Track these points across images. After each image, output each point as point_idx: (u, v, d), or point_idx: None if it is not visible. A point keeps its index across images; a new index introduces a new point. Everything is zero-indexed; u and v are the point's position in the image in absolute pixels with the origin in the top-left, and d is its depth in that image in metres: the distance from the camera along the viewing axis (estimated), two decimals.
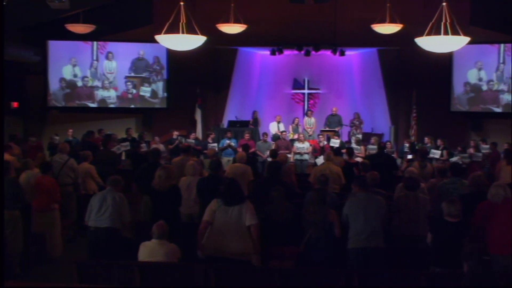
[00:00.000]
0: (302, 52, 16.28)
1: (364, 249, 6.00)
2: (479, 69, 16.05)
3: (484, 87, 16.05)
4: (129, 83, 16.63)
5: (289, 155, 13.68)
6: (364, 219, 6.03)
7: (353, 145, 13.94)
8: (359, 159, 13.47)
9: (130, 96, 16.66)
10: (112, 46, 16.51)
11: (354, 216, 6.10)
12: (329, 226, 6.02)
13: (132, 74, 16.61)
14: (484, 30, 15.54)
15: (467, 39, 9.77)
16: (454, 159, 13.12)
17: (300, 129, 16.00)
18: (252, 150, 13.48)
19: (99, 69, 16.46)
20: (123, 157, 13.50)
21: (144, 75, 16.67)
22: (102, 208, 6.63)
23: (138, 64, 16.63)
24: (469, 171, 13.14)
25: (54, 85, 16.22)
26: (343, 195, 7.76)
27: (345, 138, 16.01)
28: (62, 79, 16.24)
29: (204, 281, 5.48)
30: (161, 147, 13.98)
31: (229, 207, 5.90)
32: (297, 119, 16.48)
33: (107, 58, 16.45)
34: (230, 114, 17.10)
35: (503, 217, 5.94)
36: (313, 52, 16.29)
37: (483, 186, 6.88)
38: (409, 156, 13.14)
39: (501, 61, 15.88)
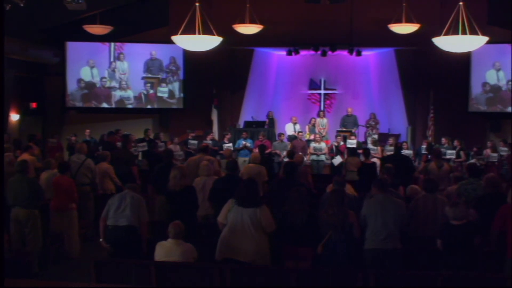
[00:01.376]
0: (319, 52, 16.25)
1: (381, 250, 5.98)
2: (498, 70, 15.88)
3: (504, 88, 15.88)
4: (148, 84, 16.72)
5: (305, 156, 13.70)
6: (382, 220, 6.02)
7: (370, 146, 13.89)
8: (375, 160, 13.48)
9: (146, 96, 16.75)
10: (128, 47, 16.62)
11: (372, 217, 6.09)
12: (349, 227, 5.99)
13: (149, 75, 16.71)
14: (502, 30, 15.37)
15: (485, 38, 9.69)
16: (470, 161, 13.02)
17: (317, 130, 15.99)
18: (268, 150, 13.47)
19: (116, 70, 16.60)
20: (140, 157, 13.57)
21: (160, 75, 16.77)
22: (121, 207, 6.66)
23: (151, 65, 16.72)
24: (485, 173, 13.08)
25: (72, 85, 16.37)
26: (361, 197, 7.69)
27: (361, 139, 15.94)
28: (80, 80, 16.39)
29: (220, 281, 5.50)
30: (177, 148, 14.05)
31: (243, 208, 5.90)
32: (313, 120, 16.45)
33: (119, 59, 16.58)
34: (247, 114, 17.11)
35: None
36: (329, 53, 16.25)
37: (498, 186, 6.82)
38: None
39: None
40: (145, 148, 13.41)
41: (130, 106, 16.76)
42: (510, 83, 15.81)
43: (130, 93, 16.69)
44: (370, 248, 6.04)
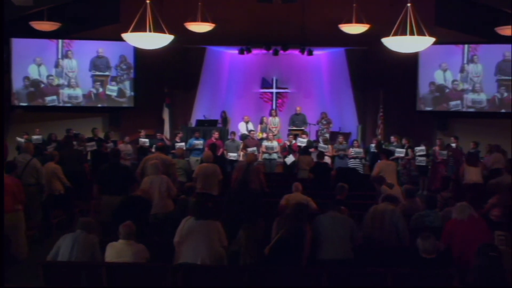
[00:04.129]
0: (271, 51, 16.35)
1: (333, 260, 5.95)
2: (445, 70, 16.33)
3: (449, 87, 16.34)
4: (97, 83, 16.43)
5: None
6: (332, 238, 6.00)
7: (321, 144, 14.04)
8: (327, 158, 13.67)
9: (97, 94, 16.45)
10: (78, 44, 16.28)
11: (323, 234, 6.05)
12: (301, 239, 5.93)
13: (96, 73, 16.41)
14: (449, 31, 15.83)
15: (432, 39, 9.93)
16: (417, 154, 13.39)
17: (268, 128, 16.06)
18: (220, 149, 13.46)
19: (64, 68, 16.23)
20: (89, 157, 13.35)
21: (108, 73, 16.48)
22: (73, 253, 5.86)
23: (98, 62, 16.41)
24: (434, 170, 13.47)
25: (17, 83, 15.93)
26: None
27: (313, 137, 16.10)
28: (25, 78, 15.96)
29: (173, 282, 5.45)
30: (129, 147, 13.89)
31: (197, 220, 5.85)
32: (265, 118, 16.52)
33: (67, 56, 16.22)
34: (199, 113, 17.03)
35: (467, 233, 5.95)
36: (281, 52, 16.38)
37: None
38: None
39: (465, 61, 16.20)
40: (94, 148, 13.21)
41: (79, 105, 16.42)
42: (456, 83, 16.30)
43: (79, 92, 16.36)
44: (322, 259, 6.00)
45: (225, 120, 16.71)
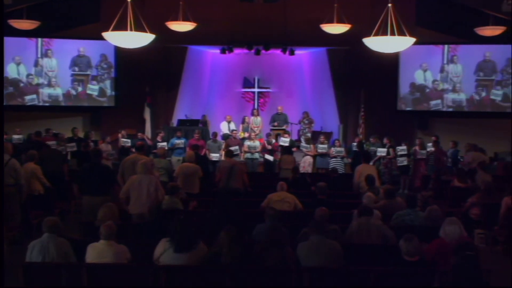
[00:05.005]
0: (253, 51, 16.35)
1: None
2: (425, 70, 16.48)
3: (429, 87, 16.50)
4: (77, 82, 16.29)
5: (240, 154, 13.76)
6: (318, 263, 5.64)
7: (303, 144, 14.09)
8: (308, 157, 13.71)
9: (76, 94, 16.31)
10: (57, 43, 16.12)
11: (306, 260, 5.70)
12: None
13: (78, 72, 16.26)
14: (429, 31, 15.99)
15: (413, 39, 10.01)
16: (398, 153, 13.53)
17: (250, 128, 16.06)
18: (203, 149, 13.41)
19: (44, 67, 16.07)
20: (69, 157, 13.23)
21: (89, 72, 16.34)
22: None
23: (79, 61, 16.27)
24: (415, 169, 13.60)
25: None
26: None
27: (294, 137, 16.14)
28: (4, 78, 15.76)
29: (154, 282, 5.41)
30: (109, 147, 13.79)
31: (179, 253, 5.47)
32: (247, 118, 16.51)
33: (46, 55, 16.06)
34: (180, 113, 16.97)
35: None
36: (263, 51, 16.38)
37: (439, 220, 6.43)
38: None
39: (445, 61, 16.36)
40: (74, 148, 13.10)
41: (59, 104, 16.26)
42: (436, 83, 16.46)
43: (59, 91, 16.21)
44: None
45: (205, 123, 16.59)
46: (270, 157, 13.89)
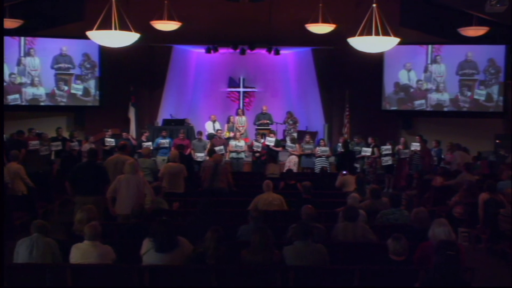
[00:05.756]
0: (238, 50, 16.34)
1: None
2: (409, 70, 16.59)
3: (413, 87, 16.61)
4: (61, 81, 16.15)
5: (225, 154, 13.74)
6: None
7: (288, 143, 14.11)
8: (294, 157, 13.74)
9: (60, 93, 16.18)
10: (41, 42, 15.98)
11: (291, 263, 5.60)
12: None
13: (59, 71, 16.12)
14: (413, 31, 16.10)
15: (397, 39, 10.08)
16: (383, 153, 13.59)
17: (235, 127, 16.05)
18: (188, 149, 13.37)
19: (26, 66, 15.92)
20: (53, 157, 13.12)
21: (72, 71, 16.21)
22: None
23: (61, 60, 16.13)
24: (399, 168, 13.68)
25: None
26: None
27: (280, 137, 16.15)
28: None
29: (139, 283, 5.39)
30: (93, 147, 13.67)
31: (162, 253, 5.46)
32: (232, 118, 16.49)
33: (29, 54, 15.91)
34: (165, 112, 16.91)
35: None
36: (248, 51, 16.38)
37: (426, 222, 6.31)
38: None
39: (429, 61, 16.48)
40: (59, 148, 12.98)
41: (42, 104, 16.12)
42: (420, 82, 16.57)
43: (42, 90, 16.06)
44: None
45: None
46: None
